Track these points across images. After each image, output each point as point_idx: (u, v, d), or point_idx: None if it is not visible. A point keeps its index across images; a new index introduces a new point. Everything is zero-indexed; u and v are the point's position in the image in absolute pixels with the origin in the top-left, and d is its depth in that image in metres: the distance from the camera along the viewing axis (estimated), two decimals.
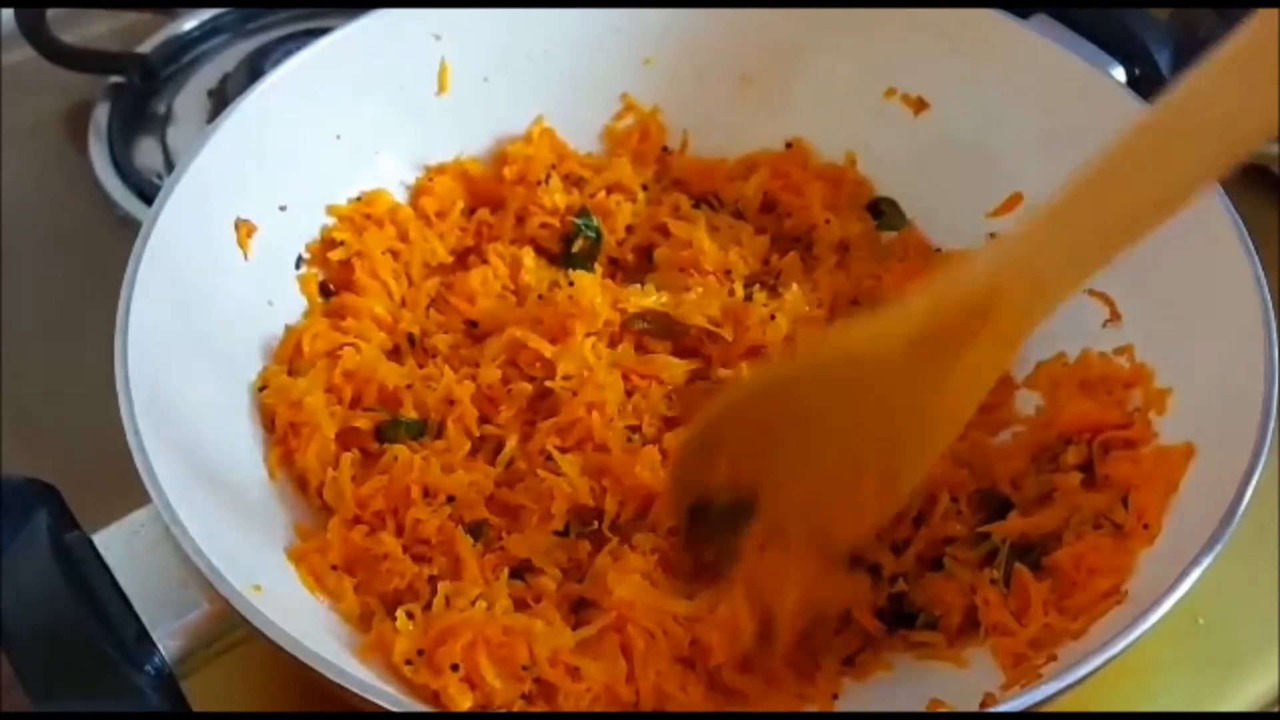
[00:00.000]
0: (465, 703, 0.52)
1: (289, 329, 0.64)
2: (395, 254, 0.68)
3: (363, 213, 0.68)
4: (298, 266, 0.66)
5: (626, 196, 0.73)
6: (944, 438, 0.47)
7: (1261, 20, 0.38)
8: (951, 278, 0.44)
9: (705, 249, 0.69)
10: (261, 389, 0.61)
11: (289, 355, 0.63)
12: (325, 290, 0.67)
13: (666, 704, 0.52)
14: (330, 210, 0.68)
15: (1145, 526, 0.54)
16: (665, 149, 0.76)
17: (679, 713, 0.52)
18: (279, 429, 0.60)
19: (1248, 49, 0.38)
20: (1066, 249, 0.42)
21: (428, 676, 0.52)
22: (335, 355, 0.63)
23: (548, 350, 0.63)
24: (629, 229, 0.72)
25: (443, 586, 0.55)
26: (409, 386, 0.63)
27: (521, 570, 0.58)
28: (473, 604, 0.54)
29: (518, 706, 0.52)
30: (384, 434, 0.62)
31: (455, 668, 0.52)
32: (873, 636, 0.57)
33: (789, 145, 0.75)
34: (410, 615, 0.54)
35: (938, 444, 0.47)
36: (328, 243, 0.67)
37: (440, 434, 0.62)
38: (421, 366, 0.65)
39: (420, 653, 0.53)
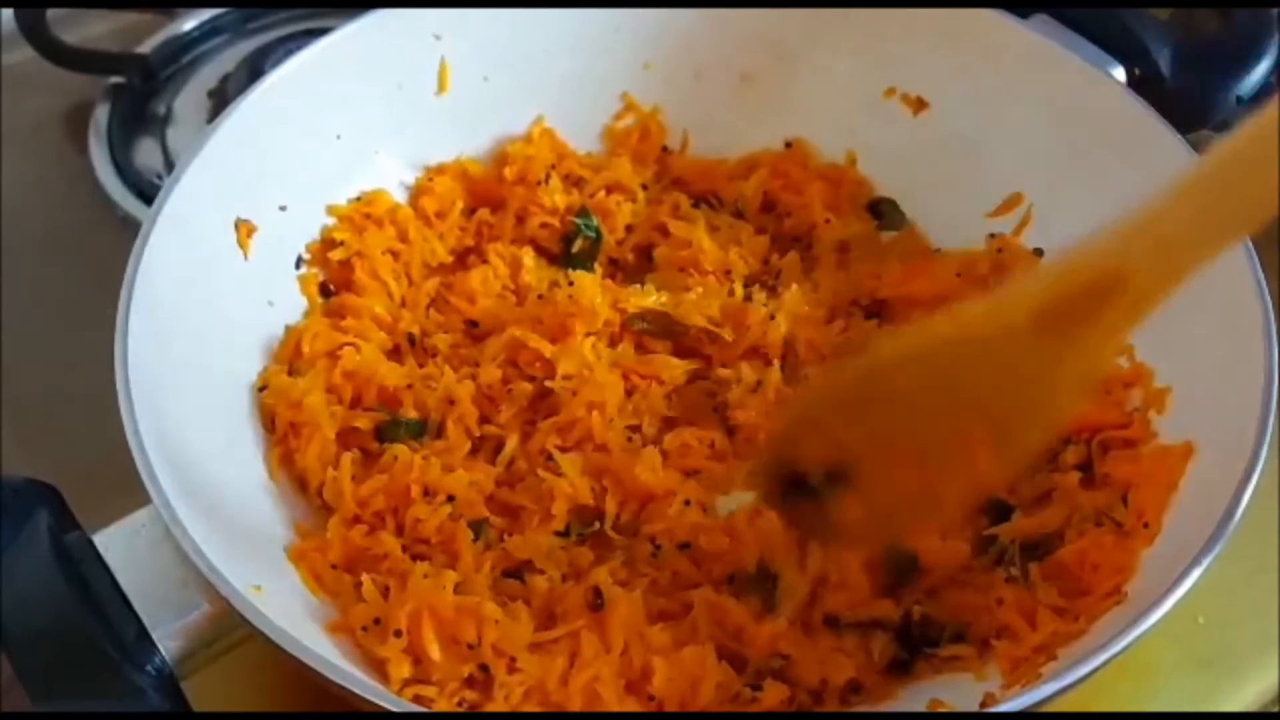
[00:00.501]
0: (404, 671, 0.52)
1: (289, 329, 0.64)
2: (395, 254, 0.68)
3: (362, 213, 0.68)
4: (298, 267, 0.66)
5: (626, 196, 0.73)
6: (1066, 410, 0.46)
7: None
8: (1080, 251, 0.43)
9: (705, 249, 0.69)
10: (261, 389, 0.61)
11: (289, 355, 0.63)
12: (325, 290, 0.67)
13: (595, 705, 0.52)
14: (330, 210, 0.68)
15: (1145, 525, 0.54)
16: (665, 149, 0.76)
17: (682, 713, 0.52)
18: (279, 429, 0.60)
19: None
20: (1200, 224, 0.41)
21: (375, 643, 0.52)
22: (335, 355, 0.63)
23: (548, 350, 0.63)
24: (629, 229, 0.72)
25: (420, 565, 0.55)
26: (409, 386, 0.63)
27: (521, 571, 0.58)
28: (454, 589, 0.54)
29: (453, 689, 0.52)
30: (384, 434, 0.62)
31: (399, 634, 0.52)
32: (891, 689, 0.55)
33: (789, 145, 0.75)
34: (385, 589, 0.54)
35: (1059, 416, 0.47)
36: (328, 243, 0.67)
37: (440, 434, 0.62)
38: (421, 366, 0.65)
39: (376, 621, 0.53)
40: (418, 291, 0.68)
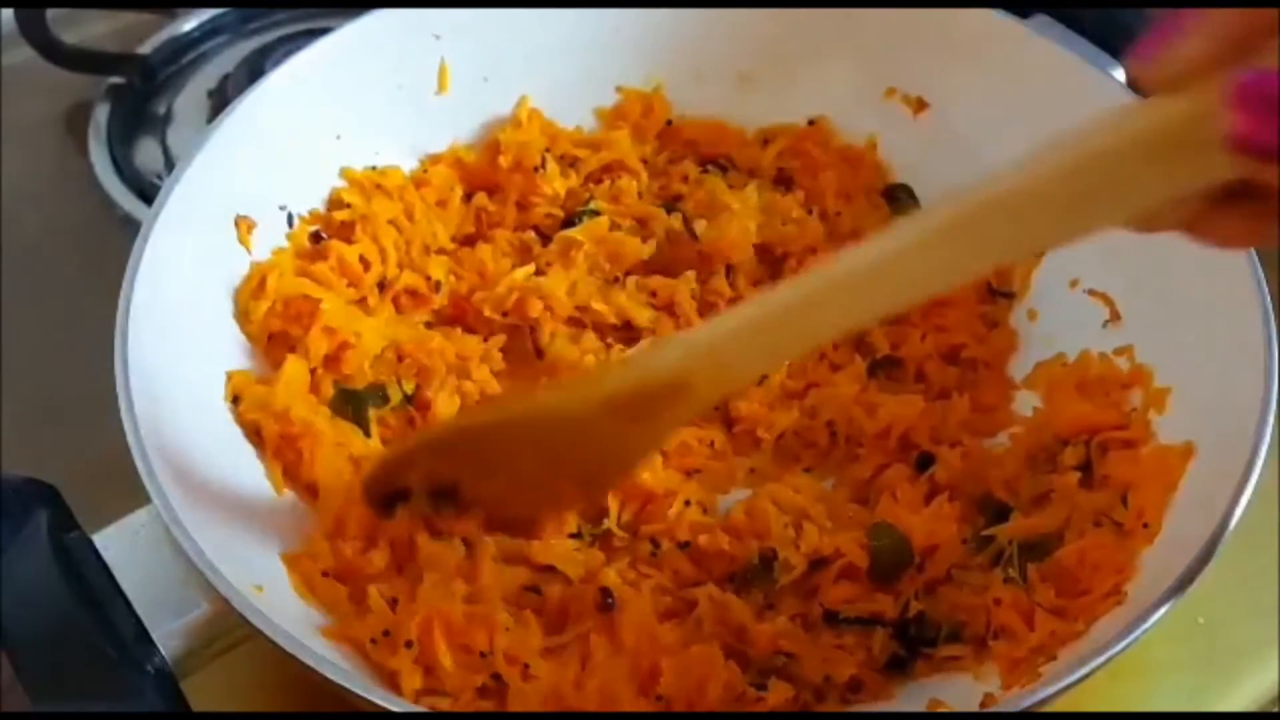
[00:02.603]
0: (416, 682, 0.51)
1: (254, 264, 0.63)
2: (399, 229, 0.68)
3: (374, 181, 0.68)
4: (290, 225, 0.66)
5: (630, 175, 0.72)
6: (637, 462, 0.55)
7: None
8: (649, 358, 0.52)
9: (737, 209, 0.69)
10: (234, 401, 0.59)
11: (250, 291, 0.62)
12: (316, 238, 0.66)
13: (612, 707, 0.52)
14: (343, 173, 0.68)
15: (1145, 526, 0.54)
16: (669, 122, 0.75)
17: (682, 713, 0.52)
18: (269, 442, 0.59)
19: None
20: (750, 351, 0.48)
21: (385, 656, 0.52)
22: (296, 347, 0.62)
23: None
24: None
25: (428, 575, 0.55)
26: (401, 360, 0.63)
27: (538, 585, 0.57)
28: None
29: (466, 699, 0.52)
30: (347, 401, 0.62)
31: (409, 645, 0.52)
32: (889, 688, 0.55)
33: (811, 123, 0.75)
34: (393, 600, 0.54)
35: (632, 466, 0.55)
36: (335, 203, 0.67)
37: (413, 401, 0.62)
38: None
39: (386, 633, 0.53)
40: (421, 262, 0.68)
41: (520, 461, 0.53)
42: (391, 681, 0.52)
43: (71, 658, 0.47)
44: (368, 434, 0.61)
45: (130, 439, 0.50)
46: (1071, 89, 0.67)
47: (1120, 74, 0.69)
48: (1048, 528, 0.57)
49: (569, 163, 0.73)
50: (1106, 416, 0.59)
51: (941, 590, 0.57)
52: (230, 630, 0.49)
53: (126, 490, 0.49)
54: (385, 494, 0.55)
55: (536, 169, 0.71)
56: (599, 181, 0.73)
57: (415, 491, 0.55)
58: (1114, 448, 0.59)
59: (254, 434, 0.59)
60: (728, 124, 0.75)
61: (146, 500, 0.49)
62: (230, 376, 0.59)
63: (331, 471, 0.58)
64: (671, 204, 0.72)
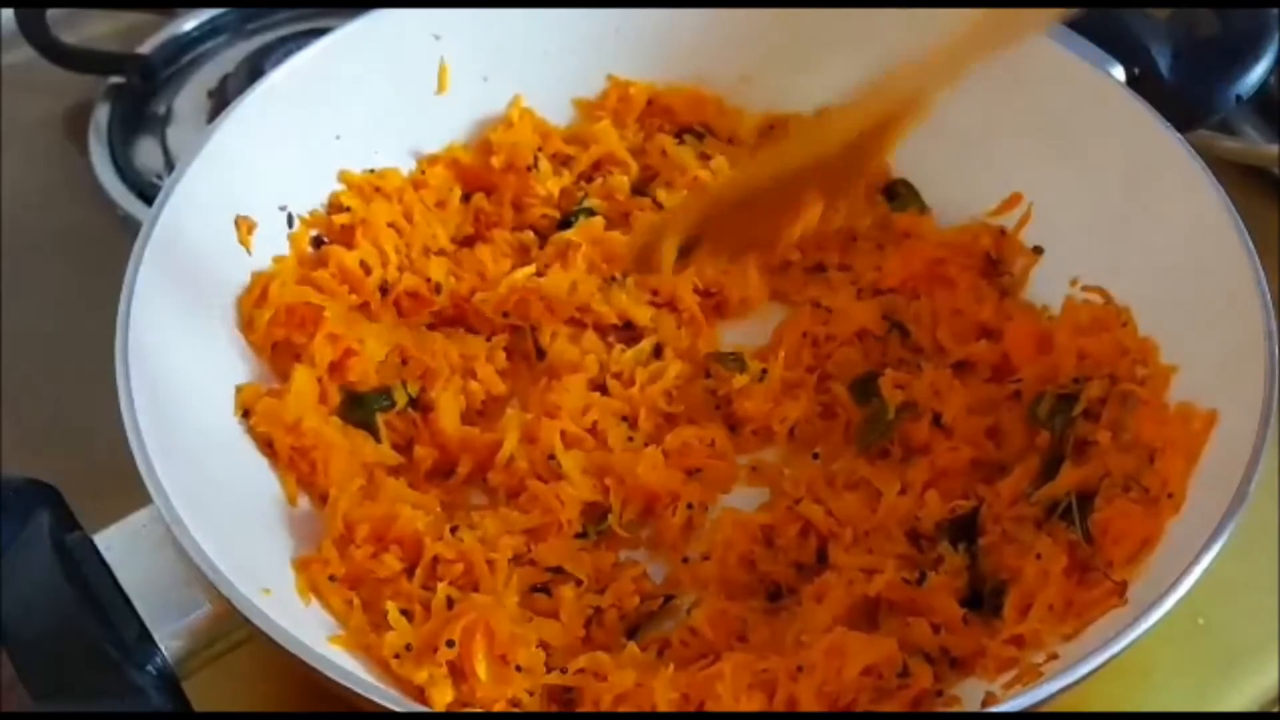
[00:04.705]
0: (447, 695, 0.51)
1: (255, 275, 0.63)
2: (399, 231, 0.68)
3: (373, 184, 0.68)
4: (290, 225, 0.66)
5: (620, 169, 0.73)
6: (876, 161, 0.60)
7: None
8: (864, 103, 0.57)
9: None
10: (245, 414, 0.59)
11: (253, 300, 0.62)
12: (318, 243, 0.67)
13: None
14: (342, 176, 0.68)
15: (1170, 496, 0.54)
16: (649, 102, 0.75)
17: (681, 713, 0.52)
18: (282, 455, 0.59)
19: None
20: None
21: (411, 669, 0.52)
22: (302, 354, 0.62)
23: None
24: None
25: (443, 587, 0.55)
26: (405, 363, 0.63)
27: (547, 585, 0.57)
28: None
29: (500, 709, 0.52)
30: (355, 406, 0.62)
31: (451, 644, 0.51)
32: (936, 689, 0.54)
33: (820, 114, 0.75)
34: (405, 613, 0.54)
35: (872, 165, 0.60)
36: (334, 206, 0.67)
37: (417, 404, 0.63)
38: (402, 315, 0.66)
39: (408, 647, 0.52)
40: (421, 264, 0.68)
41: (770, 195, 0.58)
42: (418, 696, 0.51)
43: (73, 658, 0.47)
44: (378, 439, 0.61)
45: (130, 439, 0.50)
46: (1072, 89, 0.67)
47: (1120, 73, 0.69)
48: (1090, 483, 0.57)
49: (561, 161, 0.73)
50: (1101, 344, 0.60)
51: (989, 545, 0.57)
52: (232, 631, 0.49)
53: (127, 490, 0.49)
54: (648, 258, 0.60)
55: (529, 169, 0.71)
56: (590, 179, 0.73)
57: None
58: (1124, 380, 0.59)
59: (265, 446, 0.59)
60: (704, 91, 0.75)
61: (148, 500, 0.49)
62: (240, 390, 0.59)
63: (343, 479, 0.58)
64: (647, 185, 0.72)
